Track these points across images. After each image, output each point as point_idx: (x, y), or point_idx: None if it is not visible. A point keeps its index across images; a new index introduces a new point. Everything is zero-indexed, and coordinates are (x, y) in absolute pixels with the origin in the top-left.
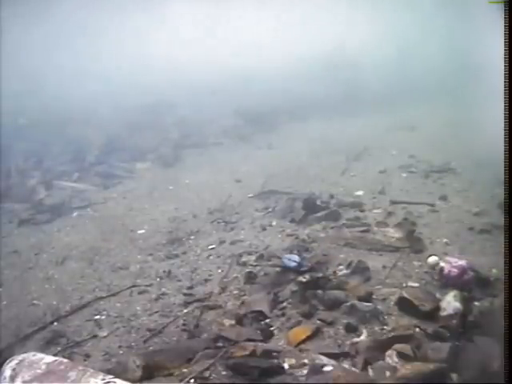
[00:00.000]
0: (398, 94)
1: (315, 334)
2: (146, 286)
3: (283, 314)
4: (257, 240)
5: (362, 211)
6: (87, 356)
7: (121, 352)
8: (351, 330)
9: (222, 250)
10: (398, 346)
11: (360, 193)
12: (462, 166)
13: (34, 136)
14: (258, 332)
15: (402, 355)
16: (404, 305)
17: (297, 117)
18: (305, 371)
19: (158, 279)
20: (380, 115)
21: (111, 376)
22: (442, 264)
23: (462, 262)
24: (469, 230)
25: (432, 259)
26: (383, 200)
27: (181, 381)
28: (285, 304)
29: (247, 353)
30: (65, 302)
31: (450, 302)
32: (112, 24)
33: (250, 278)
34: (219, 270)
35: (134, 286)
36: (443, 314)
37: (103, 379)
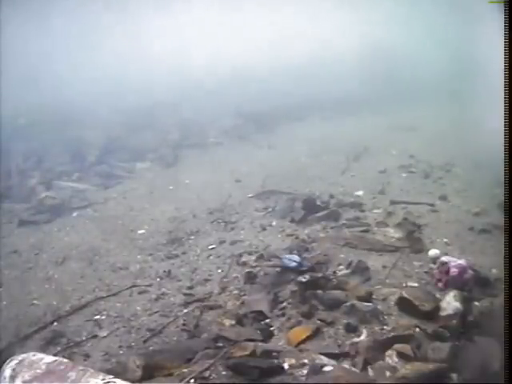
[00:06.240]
0: (398, 93)
1: (315, 333)
2: (146, 286)
3: (283, 314)
4: (257, 240)
5: (361, 211)
6: (87, 356)
7: (121, 352)
8: (351, 330)
9: (222, 250)
10: (398, 346)
11: (360, 193)
12: (462, 166)
13: (34, 136)
14: (258, 332)
15: (402, 355)
16: (404, 305)
17: (297, 117)
18: (305, 371)
19: (158, 279)
20: (380, 115)
21: (111, 376)
22: (443, 258)
23: (462, 261)
24: (469, 230)
25: (433, 252)
26: (383, 200)
27: (181, 381)
28: (285, 304)
29: (247, 353)
30: (65, 302)
31: (450, 302)
32: (112, 25)
33: (250, 277)
34: (219, 270)
35: (134, 286)
36: (443, 314)
37: (103, 379)
